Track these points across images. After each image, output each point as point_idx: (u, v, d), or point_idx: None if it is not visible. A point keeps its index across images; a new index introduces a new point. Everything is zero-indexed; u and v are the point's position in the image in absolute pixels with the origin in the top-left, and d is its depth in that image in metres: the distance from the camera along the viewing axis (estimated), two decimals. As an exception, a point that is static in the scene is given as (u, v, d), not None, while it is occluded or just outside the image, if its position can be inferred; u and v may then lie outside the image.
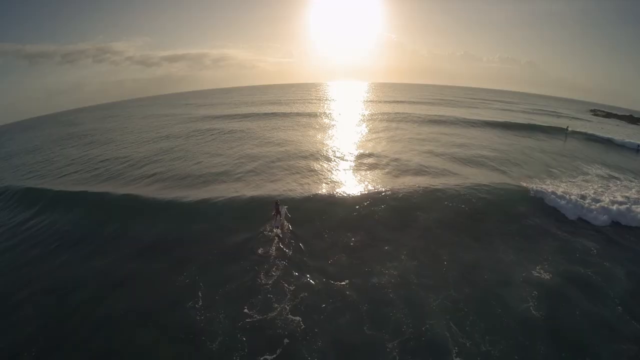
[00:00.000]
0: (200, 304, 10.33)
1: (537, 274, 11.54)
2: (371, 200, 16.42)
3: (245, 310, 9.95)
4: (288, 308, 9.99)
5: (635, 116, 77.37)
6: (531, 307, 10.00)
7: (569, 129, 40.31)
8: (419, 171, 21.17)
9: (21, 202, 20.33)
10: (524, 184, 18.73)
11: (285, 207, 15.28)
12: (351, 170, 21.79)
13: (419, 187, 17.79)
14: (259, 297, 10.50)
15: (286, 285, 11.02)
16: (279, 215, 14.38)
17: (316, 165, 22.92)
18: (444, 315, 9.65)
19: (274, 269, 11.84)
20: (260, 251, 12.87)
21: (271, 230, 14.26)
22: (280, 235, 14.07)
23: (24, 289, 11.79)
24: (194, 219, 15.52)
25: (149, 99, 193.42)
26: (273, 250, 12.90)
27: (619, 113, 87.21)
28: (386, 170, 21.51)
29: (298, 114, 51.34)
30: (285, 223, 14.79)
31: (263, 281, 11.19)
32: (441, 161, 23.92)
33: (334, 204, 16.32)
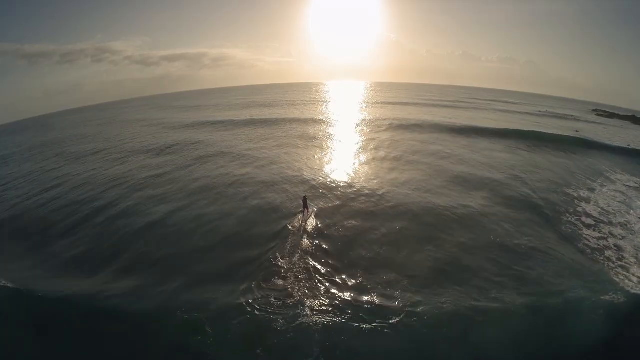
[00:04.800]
0: (210, 341, 9.18)
1: None
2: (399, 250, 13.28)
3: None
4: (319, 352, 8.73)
5: (638, 116, 77.12)
6: None
7: (579, 134, 39.98)
8: (460, 224, 15.31)
9: None
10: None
11: (305, 194, 16.07)
12: (365, 202, 17.60)
13: (456, 246, 13.57)
14: (280, 339, 9.20)
15: (314, 316, 9.77)
16: (307, 210, 15.09)
17: (324, 194, 18.80)
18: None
19: (297, 291, 10.90)
20: (277, 280, 11.58)
21: (300, 224, 14.53)
22: (308, 227, 14.18)
23: None
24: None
25: (148, 98, 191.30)
26: (293, 276, 11.70)
27: (621, 113, 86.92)
28: (409, 213, 16.21)
29: (295, 120, 47.05)
30: (313, 219, 14.99)
31: (280, 323, 9.71)
32: (483, 206, 17.33)
33: (357, 228, 14.66)
